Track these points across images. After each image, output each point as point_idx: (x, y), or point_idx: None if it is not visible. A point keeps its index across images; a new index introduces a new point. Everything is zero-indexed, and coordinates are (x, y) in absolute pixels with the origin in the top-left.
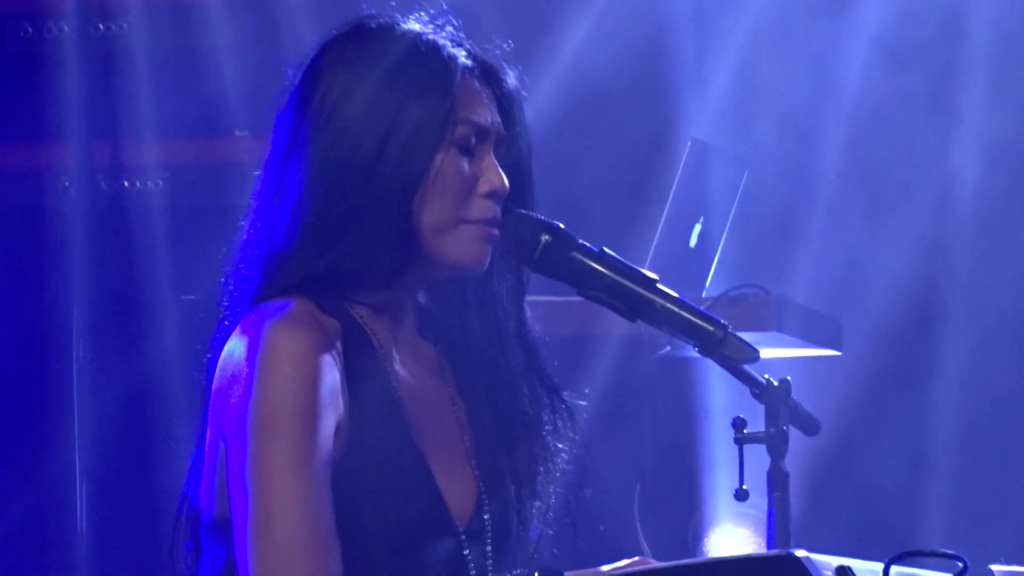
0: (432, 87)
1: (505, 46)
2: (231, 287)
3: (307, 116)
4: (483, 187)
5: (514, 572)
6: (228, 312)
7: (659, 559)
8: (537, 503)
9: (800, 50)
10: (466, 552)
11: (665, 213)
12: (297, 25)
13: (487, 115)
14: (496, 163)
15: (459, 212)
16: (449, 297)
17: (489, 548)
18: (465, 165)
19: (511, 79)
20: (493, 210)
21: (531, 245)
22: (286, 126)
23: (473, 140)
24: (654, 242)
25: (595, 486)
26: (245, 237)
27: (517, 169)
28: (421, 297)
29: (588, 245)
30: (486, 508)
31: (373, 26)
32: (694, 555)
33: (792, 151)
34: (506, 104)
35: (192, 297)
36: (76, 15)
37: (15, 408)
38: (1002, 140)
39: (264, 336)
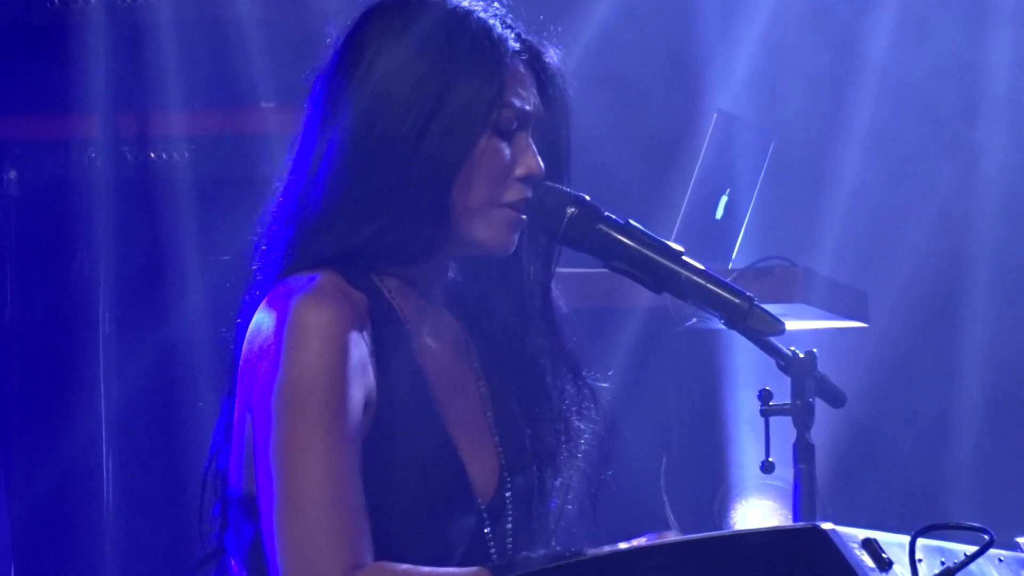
0: (481, 68)
1: (553, 28)
2: (263, 248)
3: (350, 83)
4: (520, 171)
5: (539, 552)
6: (257, 279)
7: (685, 531)
8: (559, 479)
9: (826, 20)
10: (487, 530)
11: (691, 185)
12: None
13: (530, 99)
14: (533, 147)
15: (492, 194)
16: (478, 272)
17: (509, 526)
18: (502, 148)
19: (556, 63)
20: (525, 192)
21: (557, 217)
22: (327, 90)
23: (515, 125)
24: (680, 214)
25: (621, 459)
26: (279, 199)
27: (555, 150)
28: (451, 271)
29: (614, 217)
30: (508, 485)
31: None
32: (720, 527)
33: (818, 122)
34: (549, 87)
35: (226, 257)
36: None
37: (43, 378)
38: None
39: (291, 311)
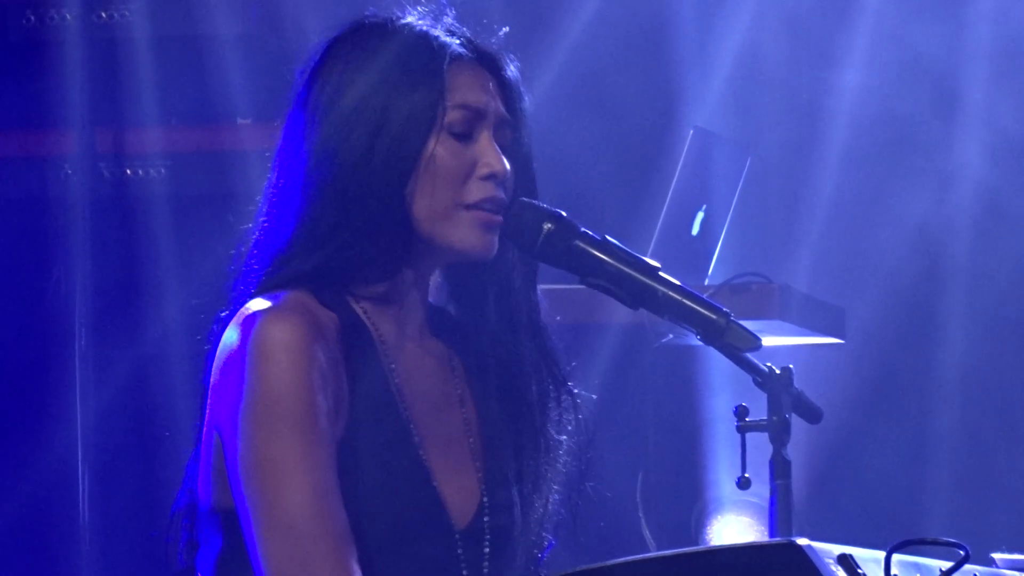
0: (420, 76)
1: (503, 34)
2: (239, 281)
3: (306, 113)
4: (482, 170)
5: None
6: (230, 303)
7: (661, 547)
8: (539, 498)
9: (803, 37)
10: (460, 552)
11: (667, 201)
12: (300, 12)
13: (483, 99)
14: (495, 146)
15: (456, 197)
16: (467, 288)
17: (487, 550)
18: (461, 150)
19: (511, 67)
20: (493, 191)
21: (533, 233)
22: (290, 124)
23: (468, 124)
24: (656, 230)
25: (597, 475)
26: (255, 233)
27: (518, 157)
28: (443, 293)
29: (591, 233)
30: (487, 510)
31: (368, 23)
32: (697, 543)
33: (795, 139)
34: (507, 92)
35: (198, 302)
36: (78, 3)
37: (18, 397)
38: (1004, 129)
39: (255, 327)
